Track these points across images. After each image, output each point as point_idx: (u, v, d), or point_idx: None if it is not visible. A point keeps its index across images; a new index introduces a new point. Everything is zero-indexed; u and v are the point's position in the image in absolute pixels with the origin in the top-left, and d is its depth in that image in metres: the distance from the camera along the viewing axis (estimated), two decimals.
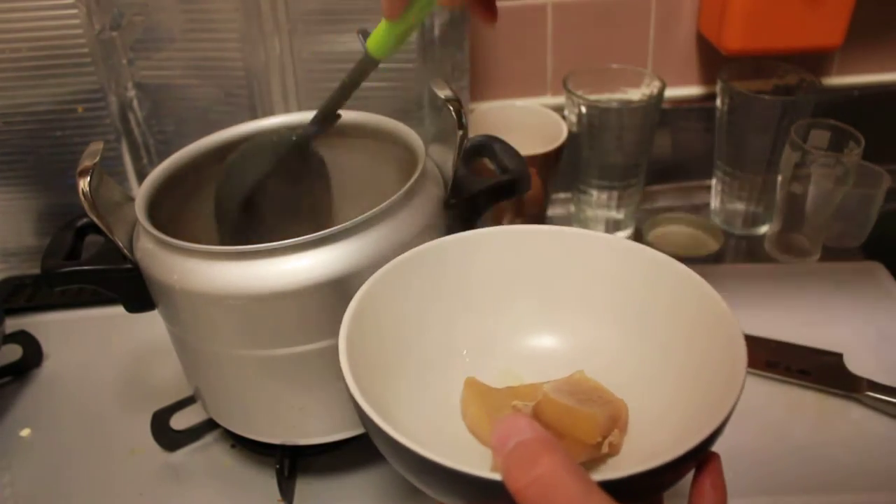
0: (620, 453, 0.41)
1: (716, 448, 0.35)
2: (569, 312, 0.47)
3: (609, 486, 0.28)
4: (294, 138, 0.52)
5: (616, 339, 0.46)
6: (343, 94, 0.49)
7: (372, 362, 0.41)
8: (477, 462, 0.40)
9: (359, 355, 0.39)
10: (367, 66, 0.47)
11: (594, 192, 0.76)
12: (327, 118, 0.51)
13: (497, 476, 0.29)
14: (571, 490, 0.27)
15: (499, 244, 0.47)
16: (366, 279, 0.43)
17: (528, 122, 0.77)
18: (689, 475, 0.35)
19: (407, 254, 0.45)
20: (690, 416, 0.38)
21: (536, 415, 0.41)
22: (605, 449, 0.40)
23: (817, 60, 0.83)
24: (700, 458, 0.34)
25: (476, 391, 0.44)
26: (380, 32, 0.45)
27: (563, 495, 0.27)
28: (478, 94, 0.81)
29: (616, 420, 0.41)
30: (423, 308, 0.46)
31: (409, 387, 0.43)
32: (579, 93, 0.71)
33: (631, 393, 0.43)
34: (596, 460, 0.41)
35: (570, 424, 0.40)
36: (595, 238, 0.47)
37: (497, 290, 0.48)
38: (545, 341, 0.48)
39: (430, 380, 0.45)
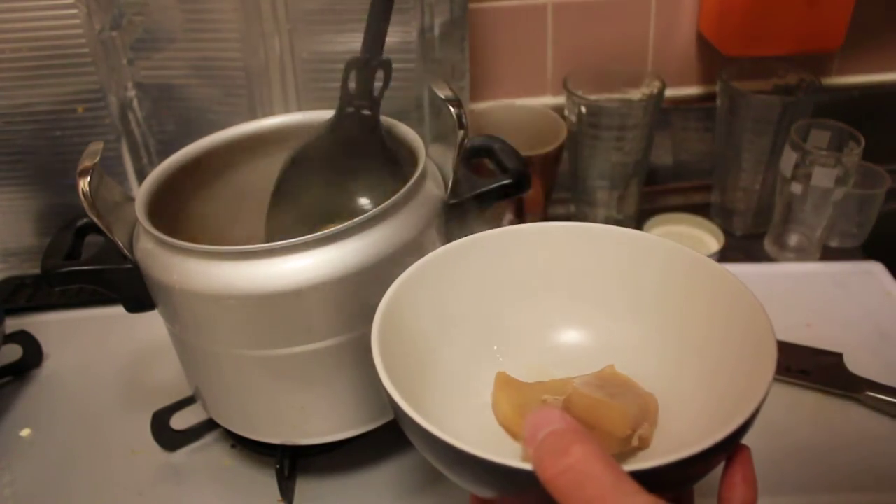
0: (651, 447, 0.41)
1: None
2: (599, 308, 0.47)
3: (639, 477, 0.28)
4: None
5: (646, 333, 0.46)
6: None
7: (403, 357, 0.41)
8: (507, 455, 0.40)
9: (391, 349, 0.39)
10: None
11: (594, 192, 0.76)
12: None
13: (528, 466, 0.29)
14: (602, 479, 0.27)
15: (529, 241, 0.47)
16: (365, 279, 0.43)
17: (528, 122, 0.77)
18: (719, 469, 0.35)
19: (438, 250, 0.45)
20: (721, 408, 0.38)
21: (567, 408, 0.42)
22: (635, 442, 0.40)
23: (817, 60, 0.83)
24: (730, 450, 0.34)
25: (507, 386, 0.45)
26: None
27: (594, 484, 0.27)
28: (478, 94, 0.81)
29: (646, 413, 0.42)
30: (454, 304, 0.46)
31: (441, 381, 0.44)
32: (579, 93, 0.71)
33: (661, 387, 0.44)
34: (626, 454, 0.41)
35: (600, 417, 0.40)
36: (622, 234, 0.47)
37: (527, 286, 0.48)
38: (575, 336, 0.48)
39: (462, 375, 0.45)
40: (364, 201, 0.52)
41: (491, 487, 0.33)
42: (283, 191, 0.54)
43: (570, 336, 0.48)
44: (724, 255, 0.73)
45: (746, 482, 0.34)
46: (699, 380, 0.42)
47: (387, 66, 0.50)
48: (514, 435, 0.43)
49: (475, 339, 0.47)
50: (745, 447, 0.35)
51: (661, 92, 0.71)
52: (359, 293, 0.44)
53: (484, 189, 0.50)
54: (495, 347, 0.47)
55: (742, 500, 0.33)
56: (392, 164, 0.52)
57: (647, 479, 0.29)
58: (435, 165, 0.51)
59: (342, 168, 0.53)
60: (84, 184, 0.44)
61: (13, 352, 0.64)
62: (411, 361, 0.42)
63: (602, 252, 0.47)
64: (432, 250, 0.48)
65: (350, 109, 0.52)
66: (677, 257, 0.45)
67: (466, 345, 0.46)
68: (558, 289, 0.48)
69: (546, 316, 0.48)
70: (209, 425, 0.57)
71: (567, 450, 0.28)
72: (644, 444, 0.41)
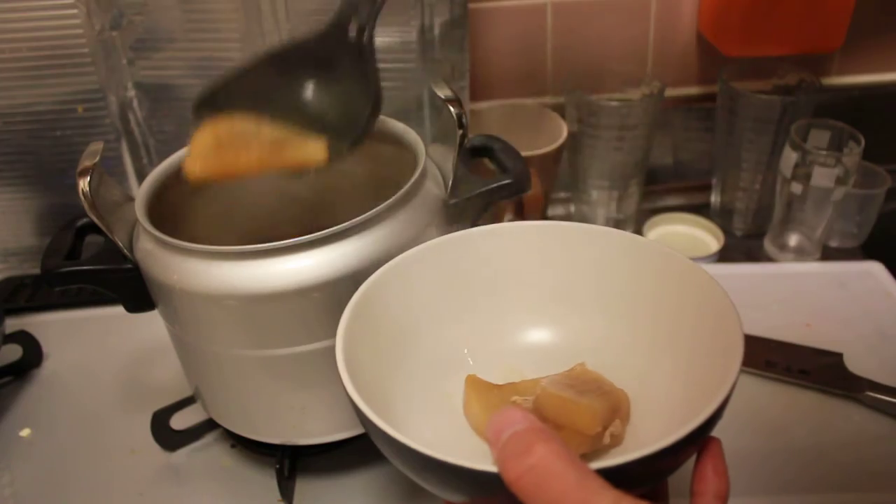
0: (624, 443, 0.41)
1: None
2: (569, 307, 0.47)
3: (606, 474, 0.28)
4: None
5: (617, 330, 0.46)
6: None
7: (372, 361, 0.41)
8: (480, 459, 0.40)
9: (358, 354, 0.39)
10: None
11: (594, 192, 0.76)
12: None
13: (493, 468, 0.29)
14: (566, 478, 0.27)
15: (495, 241, 0.47)
16: (365, 279, 0.43)
17: (528, 122, 0.77)
18: (691, 462, 0.35)
19: (405, 253, 0.45)
20: (693, 401, 0.38)
21: (537, 409, 0.42)
22: (606, 440, 0.40)
23: (817, 60, 0.83)
24: (699, 443, 0.34)
25: (477, 388, 0.44)
26: None
27: (557, 483, 0.27)
28: (478, 94, 0.81)
29: (617, 410, 0.42)
30: (422, 307, 0.46)
31: (411, 386, 0.43)
32: (579, 93, 0.71)
33: (634, 383, 0.44)
34: (599, 451, 0.41)
35: (570, 417, 0.40)
36: (591, 231, 0.47)
37: (496, 286, 0.48)
38: (546, 336, 0.48)
39: (432, 378, 0.45)
40: (316, 110, 0.48)
41: (459, 492, 0.33)
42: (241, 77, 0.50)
43: (541, 336, 0.48)
44: (724, 255, 0.73)
45: (718, 473, 0.33)
46: (672, 375, 0.42)
47: None
48: (487, 438, 0.43)
49: (445, 341, 0.46)
50: (716, 439, 0.35)
51: (661, 92, 0.71)
52: None
53: (484, 189, 0.50)
54: (465, 350, 0.47)
55: (715, 492, 0.33)
56: (363, 89, 0.48)
57: (615, 475, 0.29)
58: (435, 165, 0.51)
59: (311, 74, 0.49)
60: (84, 184, 0.44)
61: (13, 352, 0.64)
62: (380, 366, 0.42)
63: (571, 250, 0.47)
64: None
65: (351, 35, 0.47)
66: (646, 253, 0.45)
67: (436, 348, 0.46)
68: (527, 288, 0.48)
69: (516, 316, 0.48)
70: (209, 425, 0.57)
71: (529, 450, 0.28)
72: (617, 442, 0.41)
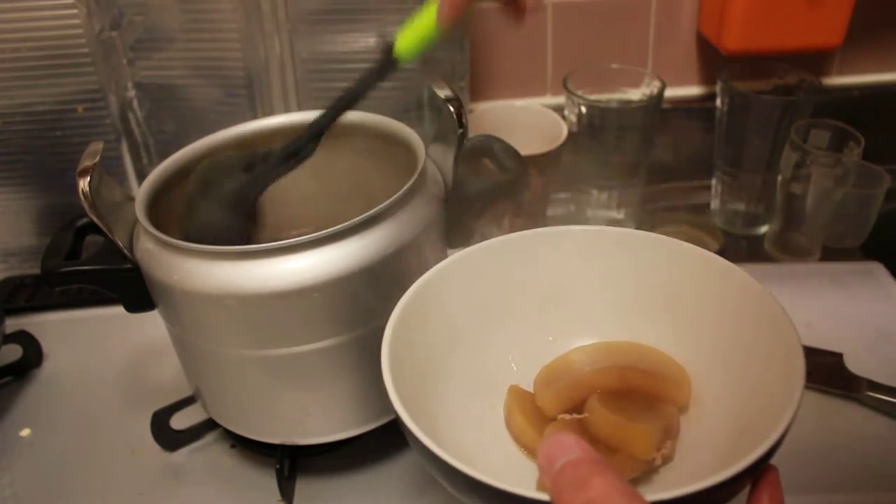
0: (674, 462, 0.41)
1: None
2: (618, 317, 0.47)
3: None
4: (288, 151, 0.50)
5: (669, 343, 0.45)
6: (351, 101, 0.46)
7: (415, 372, 0.41)
8: (521, 474, 0.40)
9: (402, 366, 0.39)
10: (387, 68, 0.44)
11: (594, 192, 0.76)
12: (328, 126, 0.48)
13: (545, 496, 0.29)
14: None
15: (544, 247, 0.46)
16: (365, 279, 0.43)
17: (528, 122, 0.77)
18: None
19: (446, 261, 0.44)
20: (745, 423, 0.38)
21: (588, 428, 0.41)
22: (658, 461, 0.40)
23: (817, 60, 0.83)
24: (756, 474, 0.33)
25: (521, 399, 0.44)
26: (414, 35, 0.42)
27: None
28: (478, 94, 0.81)
29: (669, 431, 0.41)
30: (465, 317, 0.45)
31: (455, 396, 0.43)
32: (579, 93, 0.71)
33: None
34: (649, 471, 0.40)
35: (624, 441, 0.40)
36: (643, 238, 0.45)
37: (542, 295, 0.47)
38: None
39: (476, 389, 0.44)
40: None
41: None
42: None
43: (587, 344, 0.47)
44: (723, 256, 0.73)
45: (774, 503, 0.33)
46: (723, 388, 0.41)
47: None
48: (529, 450, 0.42)
49: (490, 352, 0.46)
50: (773, 468, 0.34)
51: (661, 92, 0.71)
52: (359, 293, 0.44)
53: (484, 189, 0.50)
54: (510, 357, 0.46)
55: None
56: None
57: None
58: (435, 165, 0.51)
59: None
60: (84, 184, 0.44)
61: (13, 352, 0.64)
62: (424, 376, 0.42)
63: (621, 257, 0.46)
64: (432, 250, 0.48)
65: None
66: (701, 264, 0.44)
67: (481, 359, 0.45)
68: (575, 297, 0.47)
69: (562, 326, 0.47)
70: (209, 425, 0.57)
71: (586, 483, 0.27)
72: (667, 461, 0.40)
